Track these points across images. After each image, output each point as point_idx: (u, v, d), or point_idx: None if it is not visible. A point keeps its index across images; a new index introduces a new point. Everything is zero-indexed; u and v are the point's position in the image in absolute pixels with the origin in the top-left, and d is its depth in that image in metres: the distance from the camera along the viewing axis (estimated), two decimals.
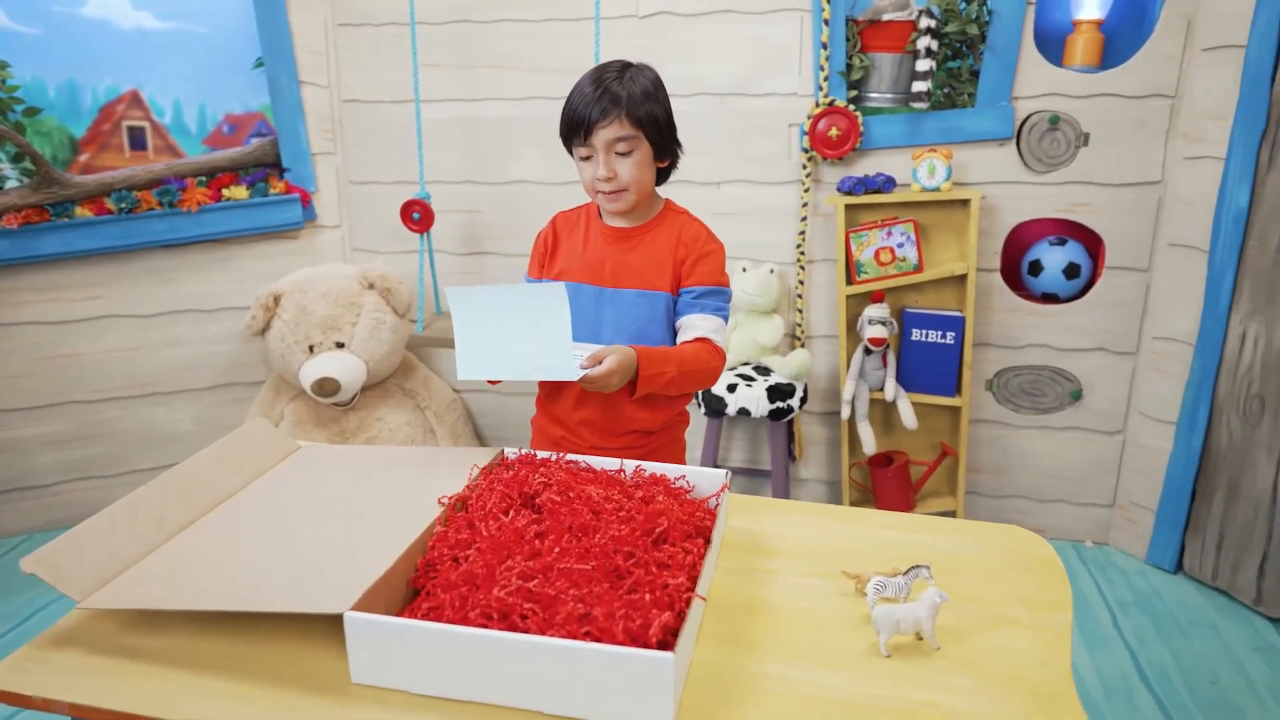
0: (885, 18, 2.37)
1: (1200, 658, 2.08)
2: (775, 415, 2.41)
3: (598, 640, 0.84)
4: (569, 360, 1.24)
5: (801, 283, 2.58)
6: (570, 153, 1.49)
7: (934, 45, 2.30)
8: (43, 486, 2.66)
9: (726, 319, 1.50)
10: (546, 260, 1.56)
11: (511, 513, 1.05)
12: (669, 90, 2.55)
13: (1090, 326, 2.46)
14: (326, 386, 2.45)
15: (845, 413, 2.50)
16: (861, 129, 2.40)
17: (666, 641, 0.85)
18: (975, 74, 2.38)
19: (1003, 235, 2.46)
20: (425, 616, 0.90)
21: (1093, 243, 2.45)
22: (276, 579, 0.95)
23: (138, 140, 2.71)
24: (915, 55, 2.35)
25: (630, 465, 1.20)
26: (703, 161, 2.52)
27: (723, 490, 1.14)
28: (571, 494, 1.09)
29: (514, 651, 0.82)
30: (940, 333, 2.45)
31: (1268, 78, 2.10)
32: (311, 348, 2.51)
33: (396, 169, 2.74)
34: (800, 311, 2.61)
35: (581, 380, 1.27)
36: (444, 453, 1.31)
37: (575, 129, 1.40)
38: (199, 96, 2.72)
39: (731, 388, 2.42)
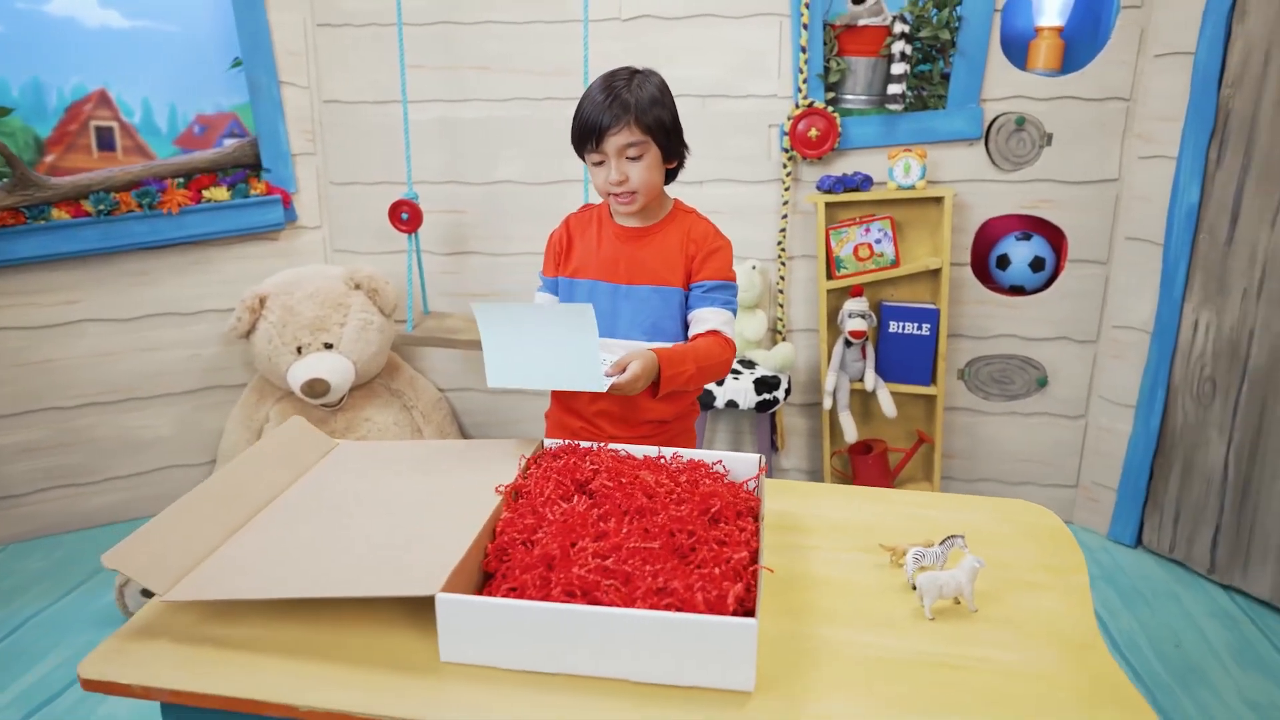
0: (861, 23, 2.47)
1: (1163, 625, 2.22)
2: (761, 407, 2.49)
3: (678, 610, 0.90)
4: (596, 372, 1.29)
5: (782, 278, 2.67)
6: (581, 157, 1.53)
7: (908, 50, 2.41)
8: (19, 496, 2.60)
9: (735, 312, 1.57)
10: (562, 259, 1.61)
11: (575, 498, 1.10)
12: None
13: (1054, 317, 2.60)
14: (316, 388, 2.45)
15: (828, 403, 2.60)
16: (840, 130, 2.50)
17: (738, 610, 0.92)
18: (945, 77, 2.50)
19: (973, 231, 2.59)
20: (507, 596, 0.95)
21: (1056, 237, 2.59)
22: (354, 567, 0.99)
23: (106, 141, 2.66)
24: (890, 59, 2.46)
25: (668, 451, 1.26)
26: (687, 162, 2.58)
27: (761, 473, 1.20)
28: (624, 479, 1.14)
29: (604, 624, 0.88)
30: (916, 325, 2.56)
31: (1215, 82, 2.26)
32: (299, 349, 2.51)
33: (379, 169, 2.75)
34: (781, 306, 2.70)
35: (609, 388, 1.33)
36: (480, 446, 1.35)
37: (587, 136, 1.45)
38: (169, 96, 2.68)
39: (719, 381, 2.50)
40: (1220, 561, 2.38)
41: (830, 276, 2.57)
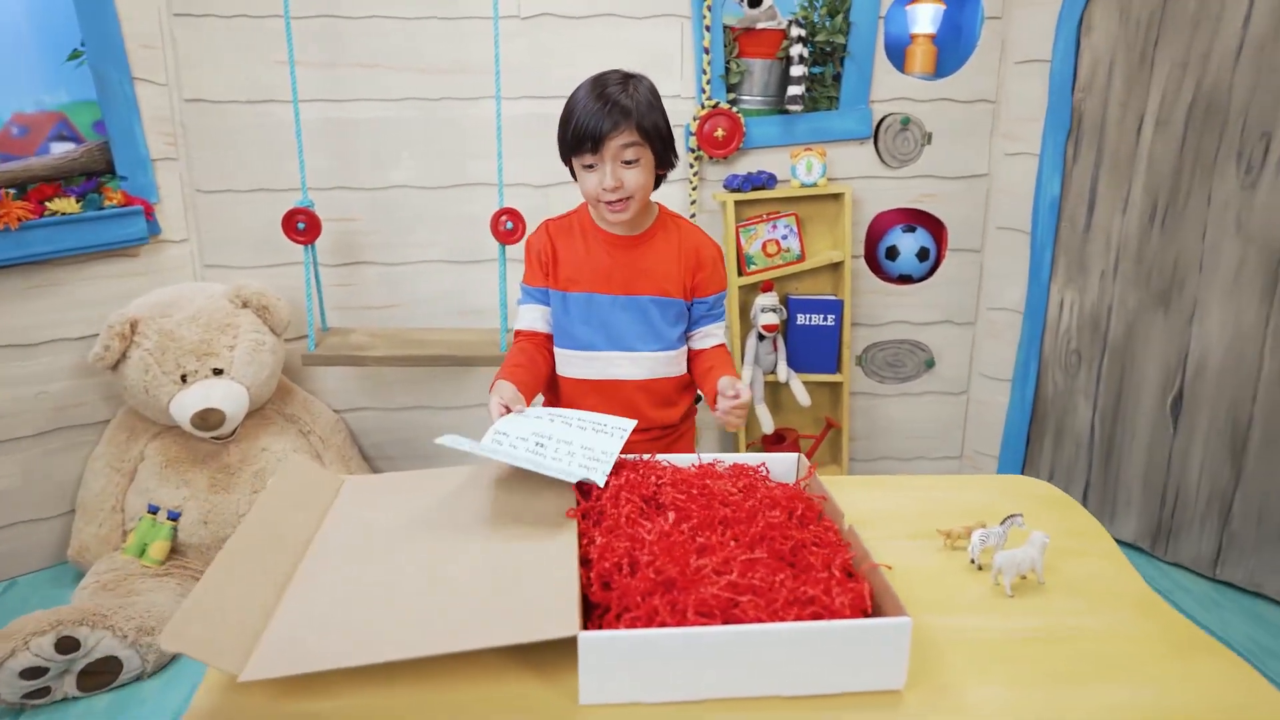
0: (759, 26, 2.54)
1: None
2: None
3: (823, 618, 0.89)
4: (583, 469, 1.17)
5: None
6: (568, 163, 1.48)
7: (805, 54, 2.52)
8: None
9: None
10: (550, 268, 1.54)
11: (663, 515, 1.06)
12: (552, 93, 2.59)
13: (938, 302, 2.82)
14: (211, 419, 2.20)
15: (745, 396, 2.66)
16: (744, 129, 2.56)
17: (869, 610, 0.93)
18: (837, 79, 2.63)
19: (865, 225, 2.74)
20: (631, 626, 0.90)
21: (937, 229, 2.80)
22: (458, 615, 0.90)
23: None
24: (787, 61, 2.55)
25: (708, 457, 1.25)
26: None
27: (812, 472, 1.22)
28: (694, 490, 1.12)
29: (757, 641, 0.85)
30: (822, 316, 2.68)
31: (1068, 88, 2.53)
32: (184, 377, 2.24)
33: (254, 175, 2.51)
34: None
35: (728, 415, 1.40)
36: (497, 469, 1.27)
37: (583, 141, 1.40)
38: None
39: None
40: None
41: (741, 273, 2.63)
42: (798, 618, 0.89)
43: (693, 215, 2.65)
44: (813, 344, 2.71)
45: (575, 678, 0.89)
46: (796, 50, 2.51)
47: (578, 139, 1.40)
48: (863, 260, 2.77)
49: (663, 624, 0.89)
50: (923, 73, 2.68)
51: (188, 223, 2.53)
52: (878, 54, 2.60)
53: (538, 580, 0.94)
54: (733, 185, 2.57)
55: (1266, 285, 2.22)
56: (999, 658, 0.96)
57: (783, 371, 2.68)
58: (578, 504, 1.11)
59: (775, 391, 2.78)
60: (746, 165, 2.65)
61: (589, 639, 0.84)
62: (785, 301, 2.70)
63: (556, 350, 1.60)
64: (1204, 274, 2.33)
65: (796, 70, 2.52)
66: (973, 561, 1.15)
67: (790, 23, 2.52)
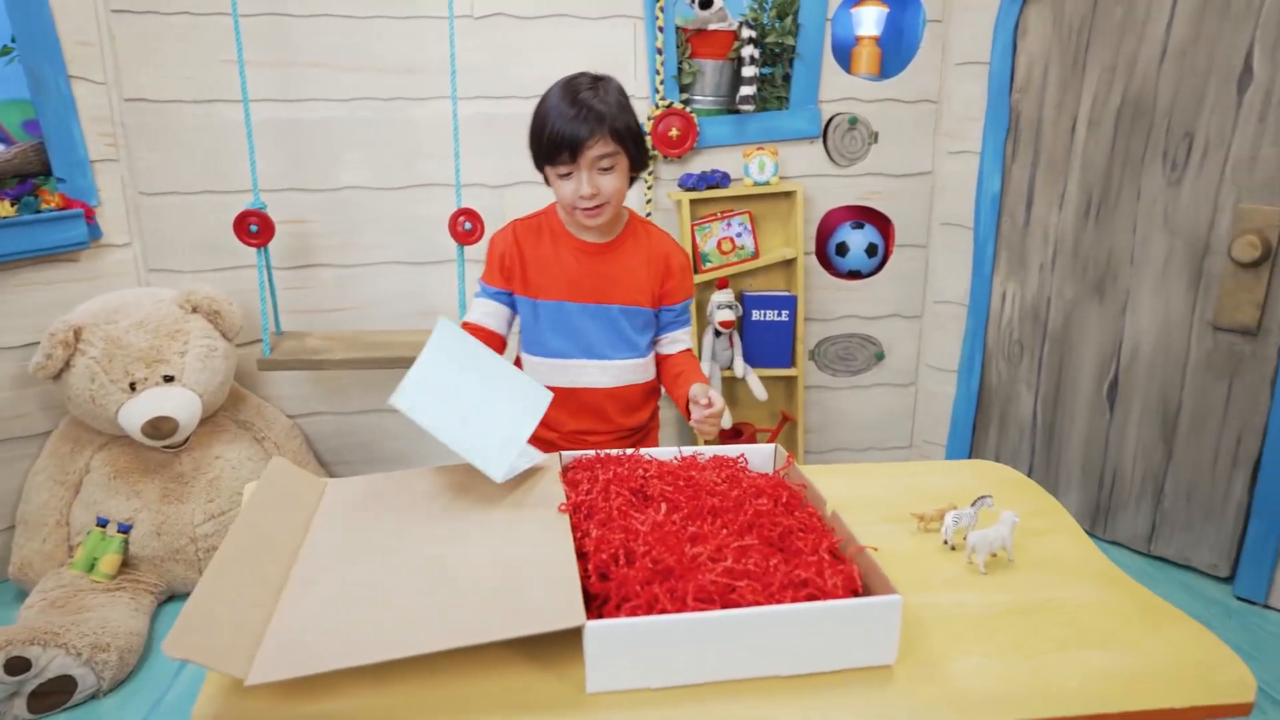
0: (711, 27, 2.58)
1: None
2: None
3: (818, 599, 0.93)
4: (506, 457, 1.15)
5: None
6: (540, 169, 1.46)
7: (756, 54, 2.57)
8: None
9: None
10: (516, 272, 1.52)
11: (661, 508, 1.08)
12: (506, 93, 2.58)
13: (887, 296, 2.90)
14: (164, 427, 2.14)
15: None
16: (698, 129, 2.60)
17: (859, 590, 0.97)
18: (786, 79, 2.69)
19: (815, 222, 2.81)
20: (633, 615, 0.92)
21: (884, 225, 2.88)
22: (463, 611, 0.91)
23: None
24: (738, 62, 2.60)
25: (688, 451, 1.27)
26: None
27: (791, 461, 1.25)
28: (680, 482, 1.14)
29: (757, 624, 0.88)
30: (777, 311, 2.74)
31: (1006, 89, 2.64)
32: (133, 385, 2.18)
33: (200, 177, 2.45)
34: None
35: (702, 424, 1.39)
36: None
37: (559, 149, 1.37)
38: None
39: None
40: None
41: (697, 271, 2.67)
42: (793, 600, 0.92)
43: (648, 214, 2.68)
44: (768, 339, 2.76)
45: (579, 668, 0.91)
46: (747, 51, 2.55)
47: (554, 147, 1.37)
48: (814, 256, 2.84)
49: (664, 611, 0.91)
50: (868, 74, 2.76)
51: (130, 226, 2.45)
52: (825, 55, 2.66)
53: (538, 574, 0.95)
54: (688, 184, 2.60)
55: (1192, 276, 2.35)
56: (979, 631, 1.00)
57: (739, 367, 2.72)
58: (567, 498, 1.13)
59: (732, 387, 2.83)
60: (700, 164, 2.68)
61: (595, 628, 0.86)
62: (740, 298, 2.75)
63: (526, 357, 1.59)
64: (1135, 266, 2.45)
65: (748, 71, 2.56)
66: (945, 542, 1.20)
67: (741, 24, 2.57)
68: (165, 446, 2.26)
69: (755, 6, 2.60)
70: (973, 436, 2.92)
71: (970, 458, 2.93)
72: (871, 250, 2.85)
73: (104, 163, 2.37)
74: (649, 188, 2.66)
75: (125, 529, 2.19)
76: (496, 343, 1.57)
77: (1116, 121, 2.43)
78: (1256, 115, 2.19)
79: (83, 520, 2.23)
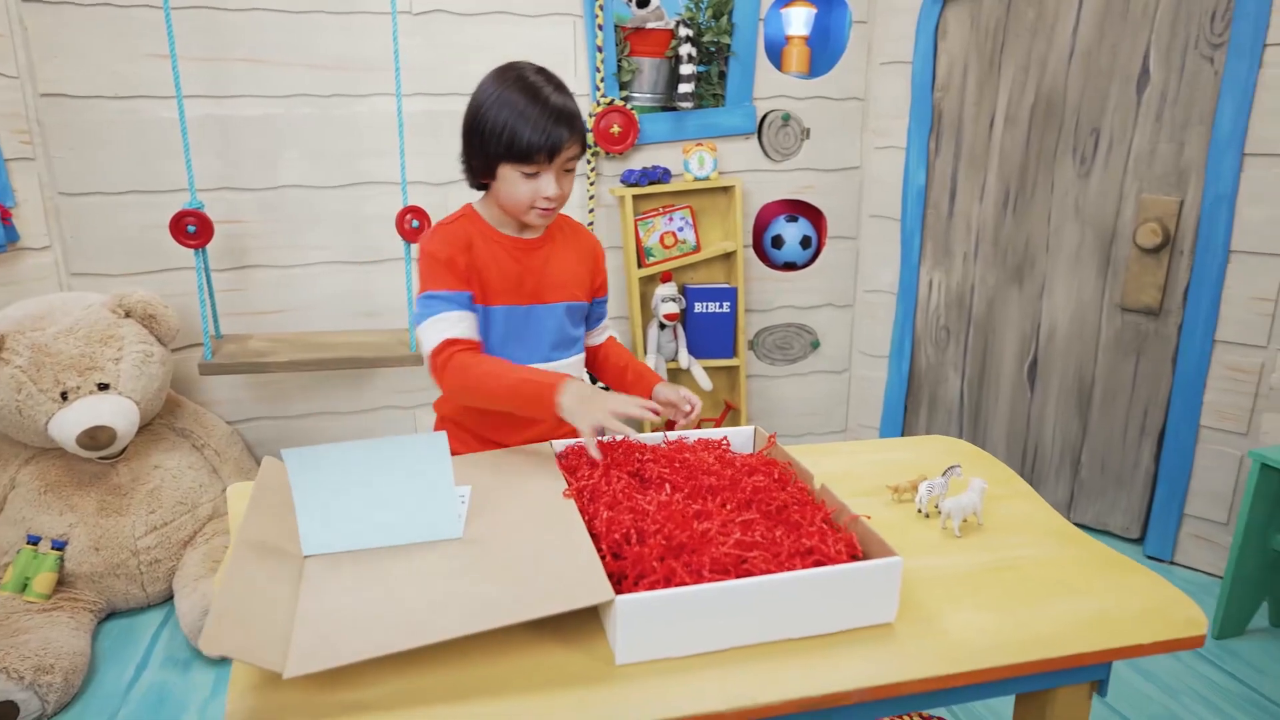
0: (649, 26, 2.63)
1: None
2: None
3: (824, 565, 0.99)
4: (451, 513, 1.07)
5: None
6: (493, 168, 1.34)
7: (694, 53, 2.63)
8: None
9: None
10: (473, 276, 1.38)
11: (666, 489, 1.12)
12: (446, 90, 2.57)
13: (820, 286, 3.02)
14: (101, 437, 2.05)
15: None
16: (639, 126, 2.65)
17: (860, 554, 1.03)
18: (722, 77, 2.76)
19: (753, 215, 2.90)
20: (652, 589, 0.96)
21: (817, 218, 3.00)
22: (493, 594, 0.93)
23: None
24: (675, 60, 2.66)
25: (673, 435, 1.32)
26: None
27: (773, 441, 1.31)
28: (676, 463, 1.19)
29: (773, 590, 0.94)
30: (718, 303, 2.81)
31: (928, 87, 2.78)
32: (65, 394, 2.08)
33: (127, 176, 2.35)
34: None
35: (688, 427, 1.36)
36: (481, 460, 1.29)
37: (535, 150, 1.28)
38: None
39: None
40: None
41: (641, 265, 2.72)
42: (802, 567, 0.98)
43: (591, 210, 2.71)
44: (710, 331, 2.83)
45: (601, 643, 0.95)
46: (685, 50, 2.61)
47: (529, 149, 1.29)
48: (750, 249, 2.92)
49: (681, 583, 0.95)
50: (798, 72, 2.86)
51: (50, 228, 2.33)
52: (759, 54, 2.75)
53: (559, 556, 0.98)
54: (630, 180, 2.65)
55: (1101, 262, 2.54)
56: (964, 589, 1.08)
57: (684, 358, 2.79)
58: (569, 484, 1.16)
59: (677, 378, 2.89)
60: (641, 160, 2.73)
61: (625, 602, 0.89)
62: (683, 291, 2.81)
63: None
64: (1050, 253, 2.63)
65: (685, 69, 2.63)
66: (920, 510, 1.28)
67: (678, 23, 2.63)
68: (101, 457, 2.16)
69: (691, 6, 2.67)
70: (904, 418, 3.06)
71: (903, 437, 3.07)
72: (805, 242, 2.96)
73: (19, 161, 2.25)
74: (591, 184, 2.69)
75: (59, 545, 2.10)
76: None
77: (1031, 118, 2.59)
78: (1154, 114, 2.38)
79: (10, 539, 2.12)
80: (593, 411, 1.21)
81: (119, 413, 2.11)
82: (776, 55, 2.84)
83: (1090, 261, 2.55)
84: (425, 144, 2.49)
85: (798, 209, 2.99)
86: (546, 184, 1.32)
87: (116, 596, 2.18)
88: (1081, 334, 2.61)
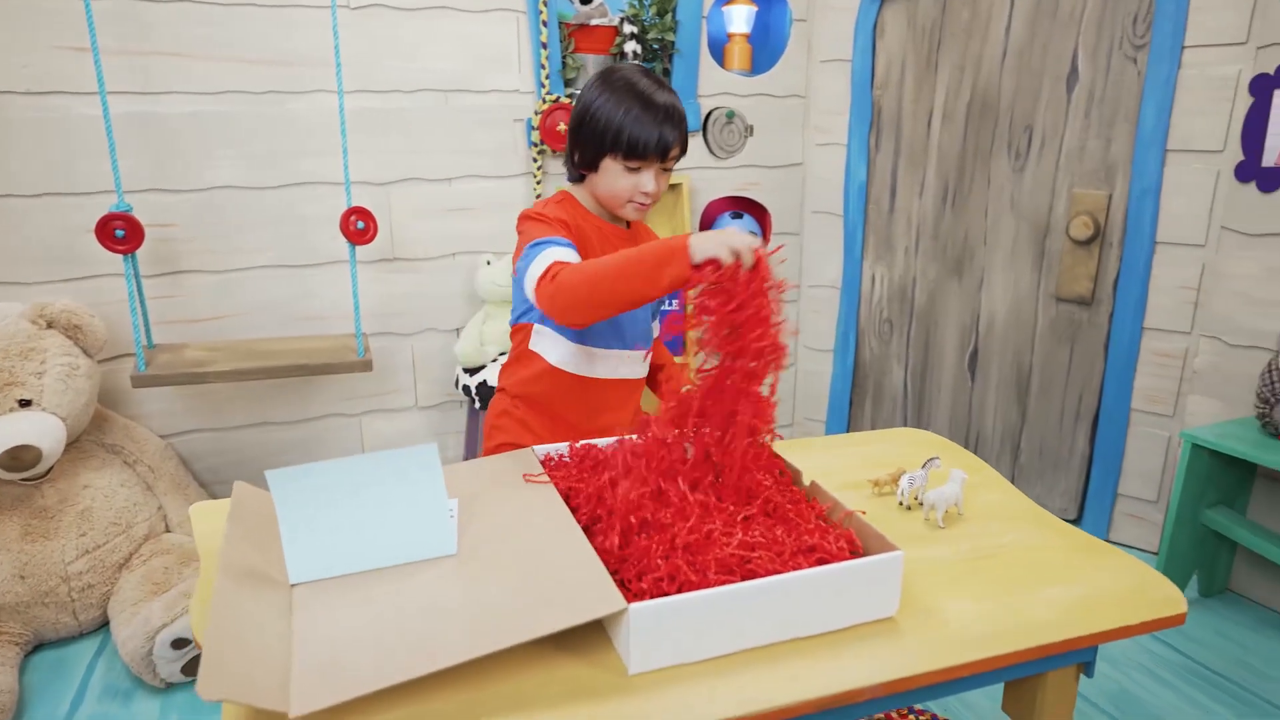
0: (593, 22, 2.61)
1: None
2: None
3: (826, 562, 0.99)
4: (445, 528, 1.03)
5: None
6: (590, 159, 1.38)
7: (639, 49, 2.62)
8: None
9: None
10: (579, 244, 1.38)
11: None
12: (389, 86, 2.50)
13: None
14: (25, 457, 1.92)
15: None
16: None
17: (859, 550, 1.04)
18: (667, 74, 2.75)
19: (699, 213, 2.90)
20: (654, 586, 0.94)
21: (761, 214, 3.02)
22: (498, 611, 0.89)
23: None
24: (620, 57, 2.64)
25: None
26: (433, 158, 2.49)
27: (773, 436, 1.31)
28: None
29: (781, 590, 0.93)
30: (667, 301, 2.81)
31: (868, 85, 2.83)
32: None
33: (42, 178, 2.21)
34: None
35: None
36: (470, 466, 1.25)
37: (648, 148, 1.32)
38: None
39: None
40: None
41: None
42: (805, 565, 0.98)
43: None
44: (663, 330, 2.82)
45: (610, 653, 0.93)
46: (630, 46, 2.60)
47: (642, 147, 1.32)
48: None
49: (686, 580, 0.94)
50: (740, 69, 2.88)
51: None
52: (703, 51, 2.75)
53: (561, 566, 0.95)
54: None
55: (1036, 255, 2.63)
56: (955, 578, 1.10)
57: None
58: (558, 488, 1.13)
59: None
60: None
61: (639, 610, 0.88)
62: None
63: (565, 342, 1.46)
64: (988, 247, 2.71)
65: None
66: (901, 503, 1.30)
67: (622, 20, 2.61)
68: (24, 479, 2.02)
69: (635, 3, 2.65)
70: (850, 410, 3.12)
71: (849, 428, 3.13)
72: None
73: None
74: (538, 182, 2.65)
75: None
76: None
77: (967, 116, 2.67)
78: (1083, 111, 2.47)
79: None
80: (727, 238, 1.12)
81: (44, 430, 1.98)
82: (719, 52, 2.85)
83: (1026, 254, 2.64)
84: (364, 143, 2.41)
85: (742, 205, 3.01)
86: (647, 180, 1.37)
87: (45, 626, 2.05)
88: (1019, 324, 2.70)
